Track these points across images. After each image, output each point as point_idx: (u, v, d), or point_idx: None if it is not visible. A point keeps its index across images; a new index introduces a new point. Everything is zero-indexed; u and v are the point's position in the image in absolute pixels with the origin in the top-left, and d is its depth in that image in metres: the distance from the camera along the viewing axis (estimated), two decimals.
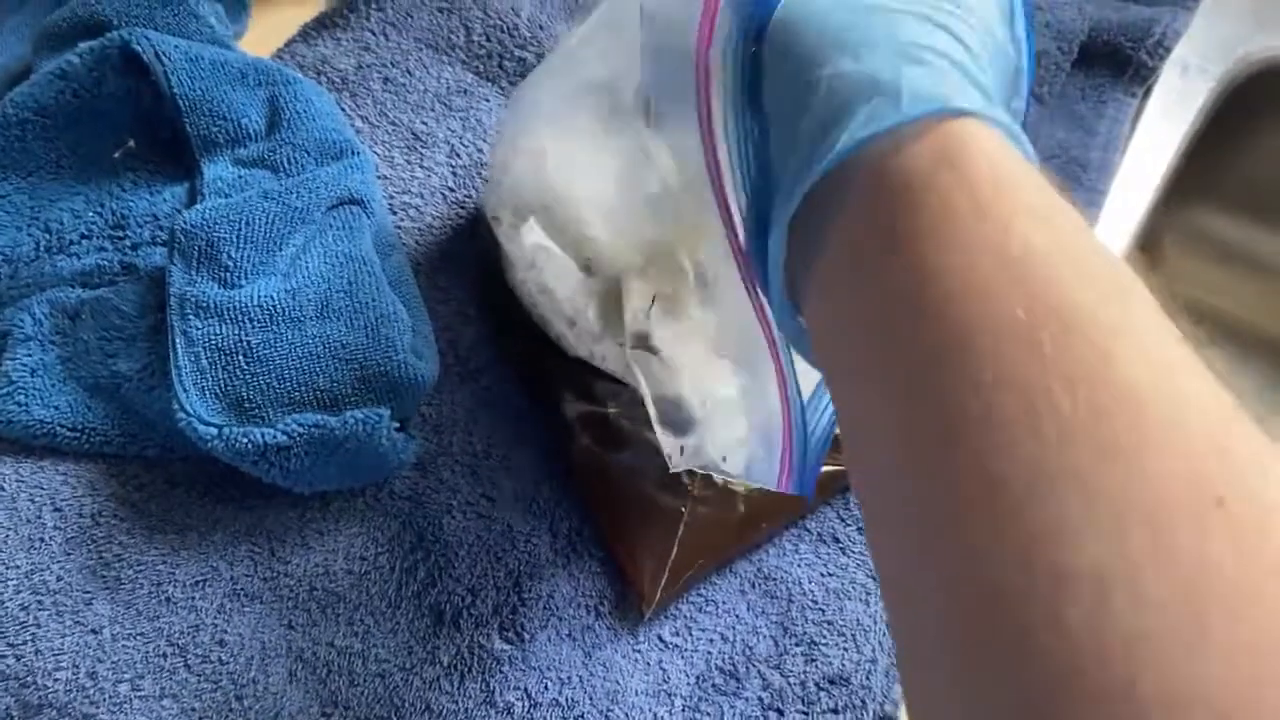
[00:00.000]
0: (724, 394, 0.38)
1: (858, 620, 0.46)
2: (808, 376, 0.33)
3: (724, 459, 0.38)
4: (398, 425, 0.42)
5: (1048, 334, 0.21)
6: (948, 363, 0.22)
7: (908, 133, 0.24)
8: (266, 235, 0.42)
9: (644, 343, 0.43)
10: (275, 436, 0.40)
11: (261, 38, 0.56)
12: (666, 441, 0.40)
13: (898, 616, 0.24)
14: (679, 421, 0.42)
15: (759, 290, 0.32)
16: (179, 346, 0.41)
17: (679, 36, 0.33)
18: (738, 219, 0.33)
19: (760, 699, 0.44)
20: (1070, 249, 0.23)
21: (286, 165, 0.45)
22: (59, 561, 0.42)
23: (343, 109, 0.51)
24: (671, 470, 0.40)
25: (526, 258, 0.45)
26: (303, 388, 0.40)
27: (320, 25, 0.53)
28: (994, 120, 0.25)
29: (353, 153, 0.46)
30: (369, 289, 0.42)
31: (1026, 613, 0.19)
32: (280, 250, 0.42)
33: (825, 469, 0.46)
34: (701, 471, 0.43)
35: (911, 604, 0.24)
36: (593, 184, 0.45)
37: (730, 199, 0.33)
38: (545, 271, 0.45)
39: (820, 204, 0.26)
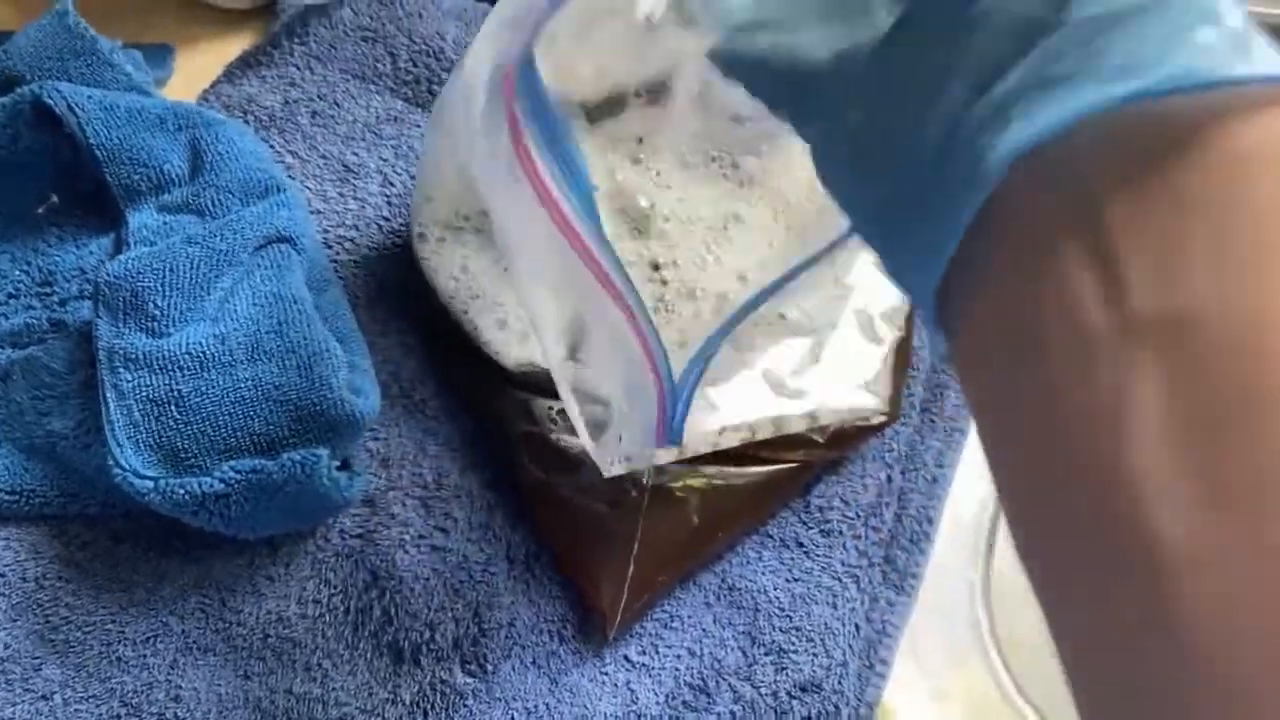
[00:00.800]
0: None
1: (826, 624, 0.45)
2: None
3: (620, 438, 0.38)
4: (339, 464, 0.41)
5: None
6: None
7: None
8: (192, 281, 0.41)
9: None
10: (212, 485, 0.39)
11: (189, 79, 0.55)
12: (589, 445, 0.39)
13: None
14: (601, 422, 0.41)
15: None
16: (110, 400, 0.40)
17: None
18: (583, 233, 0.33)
19: (732, 712, 0.43)
20: None
21: (211, 208, 0.44)
22: (5, 629, 0.41)
23: (272, 146, 0.51)
24: (605, 475, 0.40)
25: (456, 264, 0.45)
26: (238, 433, 0.39)
27: (244, 64, 0.53)
28: None
29: (279, 190, 0.45)
30: (300, 328, 0.41)
31: None
32: (207, 295, 0.42)
33: (775, 469, 0.46)
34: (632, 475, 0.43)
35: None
36: None
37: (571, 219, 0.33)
38: (477, 276, 0.45)
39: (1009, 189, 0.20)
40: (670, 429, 0.38)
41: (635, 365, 0.36)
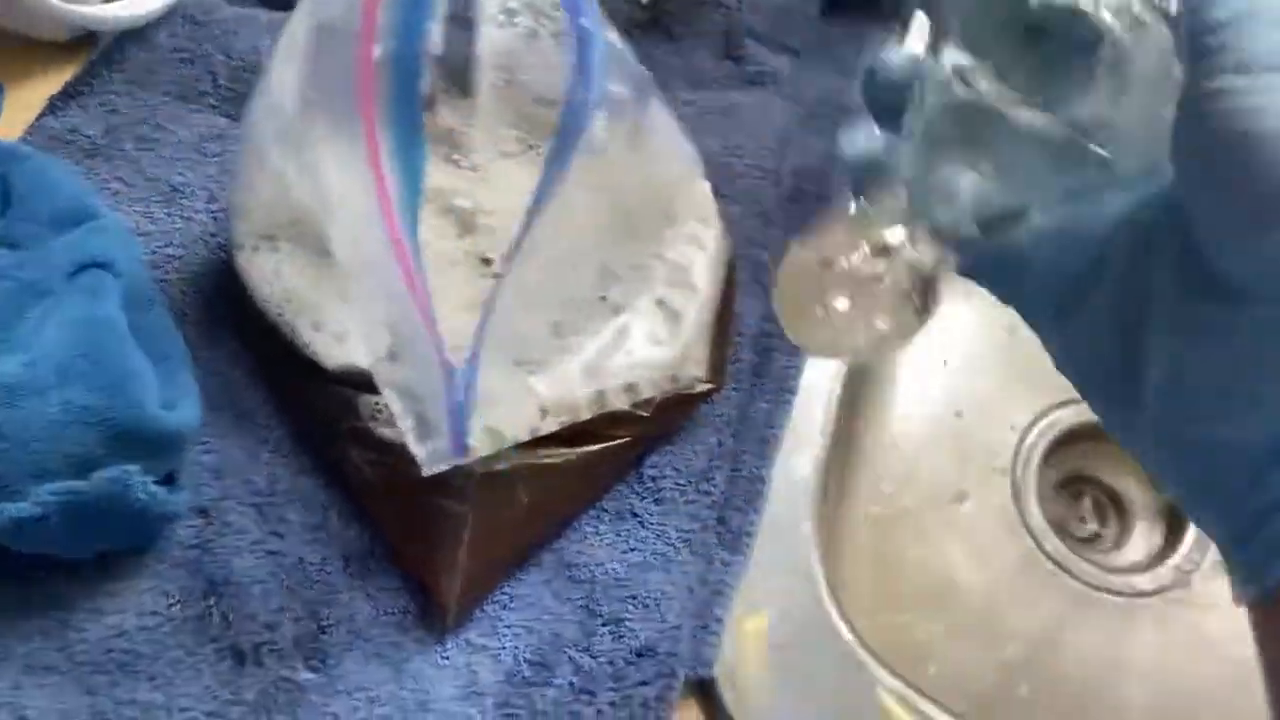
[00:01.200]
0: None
1: (661, 590, 0.46)
2: None
3: (431, 448, 0.39)
4: (160, 478, 0.43)
5: None
6: None
7: None
8: (1, 312, 0.42)
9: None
10: (30, 509, 0.40)
11: (24, 113, 0.56)
12: (412, 444, 0.41)
13: None
14: (426, 422, 0.42)
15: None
16: None
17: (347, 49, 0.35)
18: (400, 229, 0.34)
19: (571, 683, 0.44)
20: None
21: (25, 241, 0.45)
22: None
23: (98, 174, 0.52)
24: (425, 474, 0.41)
25: (270, 269, 0.46)
26: (51, 456, 0.40)
27: (66, 95, 0.54)
28: None
29: (93, 217, 0.46)
30: (111, 349, 0.42)
31: None
32: (18, 325, 0.43)
33: (604, 446, 0.47)
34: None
35: None
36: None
37: (395, 217, 0.34)
38: (291, 280, 0.46)
39: None
40: (458, 437, 0.39)
41: (437, 377, 0.38)
